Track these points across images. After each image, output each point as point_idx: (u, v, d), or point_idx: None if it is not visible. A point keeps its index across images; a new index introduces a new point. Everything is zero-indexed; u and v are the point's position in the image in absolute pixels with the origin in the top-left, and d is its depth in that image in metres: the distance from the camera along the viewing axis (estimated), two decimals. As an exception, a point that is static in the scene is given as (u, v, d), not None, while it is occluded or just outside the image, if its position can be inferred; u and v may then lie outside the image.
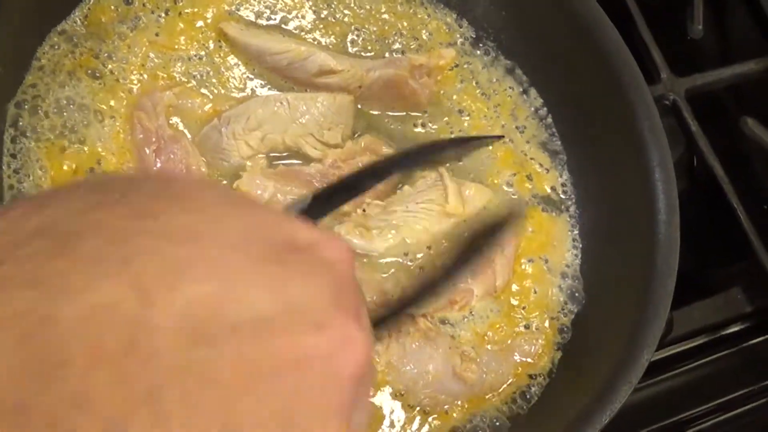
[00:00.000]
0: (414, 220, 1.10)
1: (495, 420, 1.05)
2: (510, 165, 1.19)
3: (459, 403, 1.05)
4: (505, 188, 1.17)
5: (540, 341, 1.10)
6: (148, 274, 0.48)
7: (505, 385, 1.07)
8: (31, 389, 0.43)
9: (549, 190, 1.18)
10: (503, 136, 1.16)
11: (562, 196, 1.19)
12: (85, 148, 1.04)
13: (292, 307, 0.51)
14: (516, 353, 1.09)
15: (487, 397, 1.07)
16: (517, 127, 1.21)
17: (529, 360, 1.09)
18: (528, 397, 1.08)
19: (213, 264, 0.50)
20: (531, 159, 1.19)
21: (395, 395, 1.04)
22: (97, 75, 1.08)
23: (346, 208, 1.08)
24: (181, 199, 0.55)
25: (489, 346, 1.08)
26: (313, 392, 0.50)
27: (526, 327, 1.11)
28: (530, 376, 1.09)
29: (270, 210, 0.62)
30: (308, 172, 1.09)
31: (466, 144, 1.05)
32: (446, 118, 1.19)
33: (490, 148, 1.18)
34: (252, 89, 1.13)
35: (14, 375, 0.43)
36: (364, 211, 1.09)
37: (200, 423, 0.46)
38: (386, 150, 1.13)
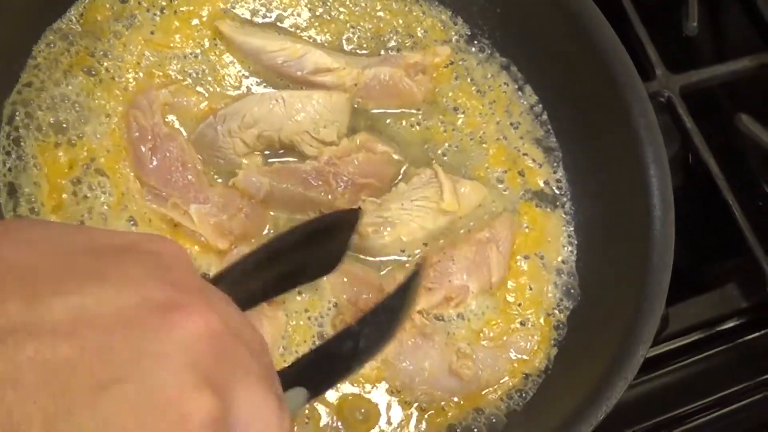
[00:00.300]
0: (410, 218, 1.10)
1: (492, 416, 1.06)
2: (501, 162, 1.19)
3: (456, 399, 1.05)
4: (497, 184, 1.17)
5: (535, 338, 1.10)
6: None
7: (501, 382, 1.07)
8: None
9: (542, 185, 1.19)
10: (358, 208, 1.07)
11: (557, 192, 1.19)
12: (81, 146, 1.04)
13: (108, 288, 0.51)
14: (511, 350, 1.09)
15: (483, 393, 1.07)
16: (511, 124, 1.21)
17: (524, 357, 1.09)
18: (524, 393, 1.08)
19: (15, 265, 0.50)
20: (524, 155, 1.20)
21: (392, 392, 1.04)
22: (93, 73, 1.08)
23: (343, 206, 1.09)
24: None
25: (485, 343, 1.09)
26: (154, 357, 0.50)
27: (522, 324, 1.11)
28: (525, 373, 1.09)
29: (82, 225, 0.61)
30: (304, 170, 1.09)
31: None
32: (441, 116, 1.19)
33: (485, 145, 1.18)
34: (247, 87, 1.14)
35: None
36: (359, 209, 1.09)
37: (21, 403, 0.46)
38: (381, 147, 1.13)
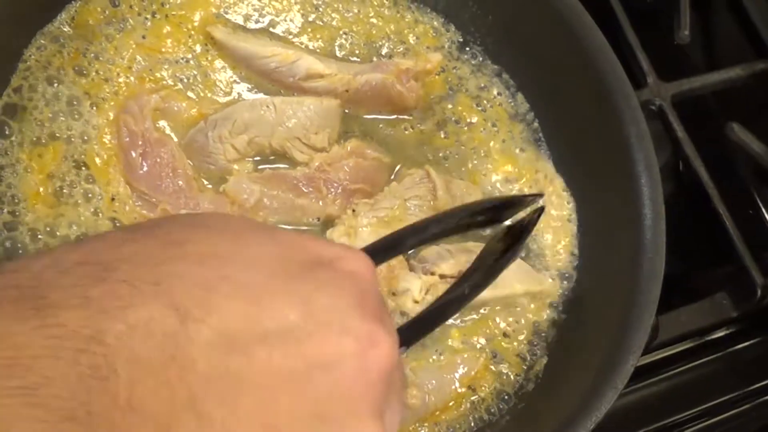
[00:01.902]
0: (403, 216, 1.10)
1: (476, 428, 1.06)
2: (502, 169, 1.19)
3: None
4: (490, 188, 1.18)
5: (481, 359, 1.09)
6: (178, 294, 0.54)
7: (451, 402, 1.07)
8: (87, 398, 0.50)
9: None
10: (542, 195, 1.12)
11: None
12: (71, 150, 1.04)
13: (318, 315, 0.57)
14: (456, 372, 1.08)
15: (471, 402, 1.06)
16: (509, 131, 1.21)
17: (472, 373, 1.08)
18: (514, 402, 1.08)
19: (239, 282, 0.56)
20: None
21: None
22: (84, 74, 1.08)
23: (334, 212, 1.09)
24: (203, 227, 0.62)
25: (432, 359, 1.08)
26: (344, 390, 0.56)
27: (505, 335, 1.11)
28: (517, 382, 1.09)
29: (290, 232, 0.67)
30: (294, 176, 1.09)
31: (506, 204, 1.06)
32: (439, 123, 1.19)
33: (484, 154, 1.18)
34: (239, 93, 1.13)
35: (71, 386, 0.50)
36: (353, 211, 1.09)
37: (240, 423, 0.52)
38: (371, 153, 1.13)
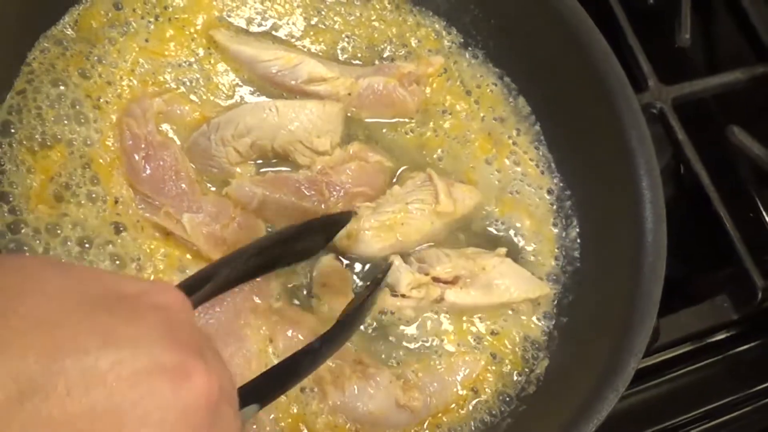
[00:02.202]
0: (406, 220, 1.11)
1: (477, 430, 1.06)
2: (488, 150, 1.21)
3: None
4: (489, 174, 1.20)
5: (482, 362, 1.09)
6: None
7: (453, 404, 1.07)
8: None
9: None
10: (353, 212, 1.10)
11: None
12: (74, 153, 1.04)
13: (121, 348, 0.54)
14: (457, 375, 1.08)
15: (471, 407, 1.07)
16: (510, 137, 1.22)
17: (472, 376, 1.09)
18: (515, 404, 1.08)
19: (34, 317, 0.53)
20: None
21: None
22: (87, 76, 1.08)
23: None
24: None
25: (434, 364, 1.08)
26: (159, 423, 0.54)
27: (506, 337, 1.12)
28: (519, 383, 1.09)
29: (93, 269, 0.65)
30: (297, 179, 1.09)
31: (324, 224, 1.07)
32: (431, 123, 1.20)
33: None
34: (241, 96, 1.14)
35: None
36: (355, 214, 1.10)
37: None
38: (373, 156, 1.14)
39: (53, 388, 0.51)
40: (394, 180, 1.16)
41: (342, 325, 0.93)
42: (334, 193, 1.10)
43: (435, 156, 1.18)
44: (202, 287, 0.82)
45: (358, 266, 1.10)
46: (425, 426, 1.06)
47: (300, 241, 1.03)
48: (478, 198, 1.17)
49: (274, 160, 1.11)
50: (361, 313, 0.96)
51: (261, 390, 0.78)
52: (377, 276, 1.02)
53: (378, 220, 1.10)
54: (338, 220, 1.06)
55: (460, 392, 1.07)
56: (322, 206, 1.09)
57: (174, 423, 0.54)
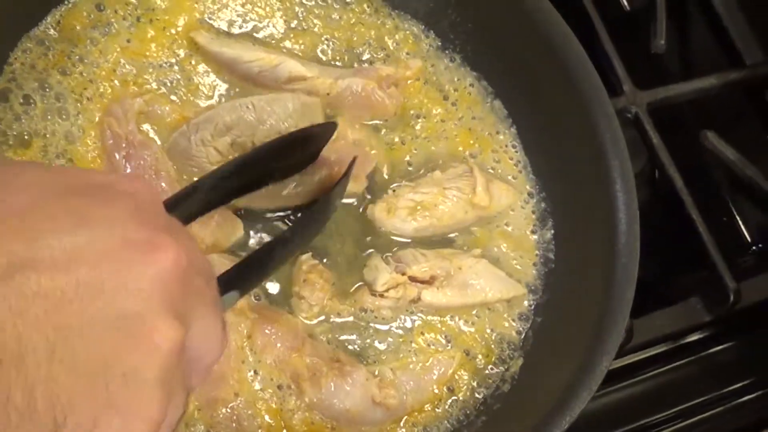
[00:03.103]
0: (441, 204, 1.14)
1: (452, 428, 1.07)
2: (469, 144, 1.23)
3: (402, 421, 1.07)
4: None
5: (455, 360, 1.11)
6: None
7: (427, 405, 1.09)
8: None
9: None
10: (335, 123, 1.12)
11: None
12: (56, 152, 1.04)
13: (94, 228, 0.58)
14: (434, 372, 1.10)
15: (447, 405, 1.08)
16: (490, 134, 1.23)
17: (447, 374, 1.10)
18: (489, 403, 1.09)
19: (7, 205, 0.57)
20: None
21: (329, 432, 1.05)
22: (68, 74, 1.09)
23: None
24: None
25: (410, 363, 1.10)
26: (135, 291, 0.58)
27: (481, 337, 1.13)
28: (493, 382, 1.10)
29: (68, 166, 0.70)
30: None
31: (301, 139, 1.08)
32: (416, 126, 1.21)
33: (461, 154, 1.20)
34: (221, 96, 1.14)
35: None
36: (394, 191, 1.14)
37: (29, 332, 0.53)
38: (352, 135, 1.16)
39: (41, 260, 0.54)
40: (385, 170, 1.18)
41: (311, 214, 0.98)
42: (323, 166, 1.11)
43: (407, 159, 1.19)
44: (182, 204, 0.86)
45: (336, 266, 1.11)
46: (401, 424, 1.07)
47: (285, 156, 1.05)
48: (514, 198, 1.19)
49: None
50: (329, 203, 1.00)
51: (239, 278, 0.82)
52: (346, 170, 1.05)
53: (413, 199, 1.13)
54: (321, 131, 1.09)
55: (435, 391, 1.09)
56: (310, 181, 1.11)
57: (148, 290, 0.58)
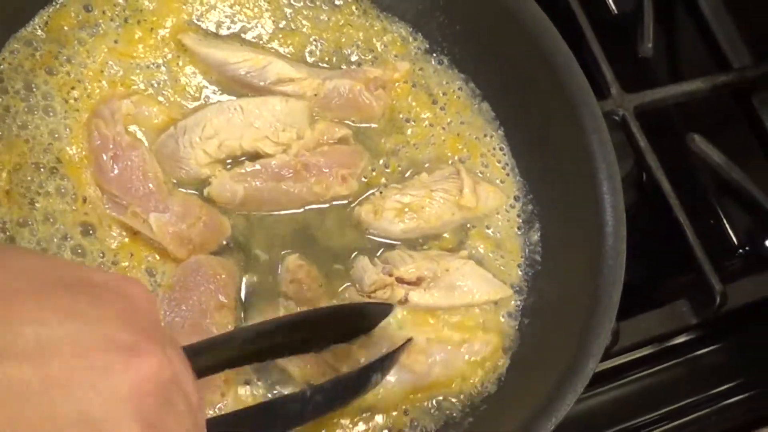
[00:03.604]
0: (428, 206, 1.14)
1: (437, 427, 1.07)
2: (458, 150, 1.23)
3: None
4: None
5: (490, 344, 1.12)
6: None
7: (453, 384, 1.09)
8: None
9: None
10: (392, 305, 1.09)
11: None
12: (43, 152, 1.04)
13: (80, 325, 0.56)
14: (466, 352, 1.10)
15: (433, 403, 1.08)
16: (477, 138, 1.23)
17: (477, 359, 1.11)
18: (475, 404, 1.09)
19: (2, 292, 0.55)
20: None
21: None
22: (54, 74, 1.08)
23: (320, 191, 1.12)
24: None
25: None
26: (105, 394, 0.54)
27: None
28: (481, 383, 1.11)
29: (67, 259, 0.67)
30: (273, 165, 1.11)
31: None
32: (407, 131, 1.21)
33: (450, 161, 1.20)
34: (208, 97, 1.14)
35: None
36: (381, 192, 1.14)
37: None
38: (339, 132, 1.16)
39: (12, 350, 0.52)
40: (372, 168, 1.18)
41: (343, 382, 0.90)
42: (314, 171, 1.12)
43: (394, 163, 1.20)
44: (209, 352, 0.82)
45: (324, 267, 1.11)
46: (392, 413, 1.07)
47: (336, 325, 1.01)
48: (501, 200, 1.20)
49: (243, 159, 1.11)
50: (365, 382, 0.93)
51: (245, 424, 0.78)
52: (394, 351, 0.99)
53: (400, 201, 1.13)
54: (378, 310, 1.06)
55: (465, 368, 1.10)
56: (304, 188, 1.11)
57: (120, 396, 0.55)
